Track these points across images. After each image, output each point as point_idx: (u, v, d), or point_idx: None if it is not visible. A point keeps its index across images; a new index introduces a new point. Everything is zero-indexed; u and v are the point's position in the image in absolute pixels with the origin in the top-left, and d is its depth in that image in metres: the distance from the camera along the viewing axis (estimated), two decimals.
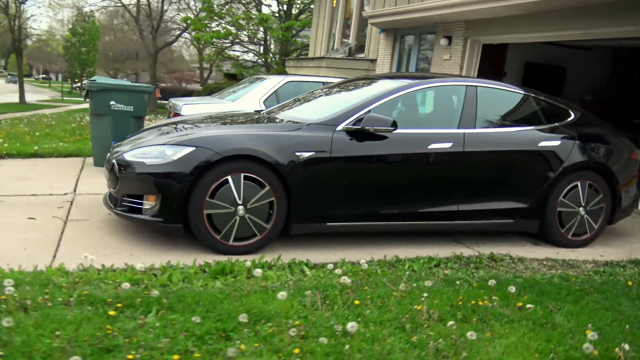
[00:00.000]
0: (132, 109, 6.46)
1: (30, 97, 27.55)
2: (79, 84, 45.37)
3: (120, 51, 45.86)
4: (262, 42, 22.45)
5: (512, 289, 2.96)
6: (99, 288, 2.66)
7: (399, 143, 4.02)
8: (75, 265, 3.07)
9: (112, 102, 6.37)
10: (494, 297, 3.03)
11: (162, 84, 36.19)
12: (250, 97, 6.79)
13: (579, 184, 4.47)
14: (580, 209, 4.49)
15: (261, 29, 21.25)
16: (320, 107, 4.31)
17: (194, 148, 3.54)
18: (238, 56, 23.75)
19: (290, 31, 20.42)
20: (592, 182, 4.52)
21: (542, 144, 4.39)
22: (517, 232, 4.65)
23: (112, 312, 2.34)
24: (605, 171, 4.54)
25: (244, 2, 22.45)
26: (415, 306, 2.79)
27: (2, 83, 53.24)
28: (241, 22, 20.57)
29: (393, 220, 4.07)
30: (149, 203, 3.57)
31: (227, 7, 22.30)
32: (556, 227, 4.46)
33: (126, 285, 2.53)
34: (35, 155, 6.63)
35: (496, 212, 4.31)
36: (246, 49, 23.29)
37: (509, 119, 4.62)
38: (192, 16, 24.47)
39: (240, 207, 3.60)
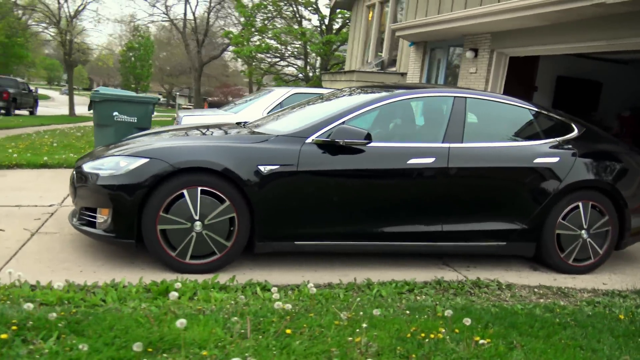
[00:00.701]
0: (135, 120, 6.47)
1: (81, 110, 28.73)
2: None
3: (174, 65, 47.38)
4: (303, 56, 22.49)
5: (467, 321, 2.64)
6: (10, 307, 2.54)
7: (375, 157, 3.75)
8: (9, 281, 2.97)
9: (115, 113, 6.40)
10: (455, 330, 2.72)
11: (210, 98, 37.01)
12: (254, 109, 6.67)
13: (580, 204, 4.05)
14: (583, 232, 4.07)
15: (301, 43, 21.29)
16: (300, 119, 4.10)
17: (148, 159, 3.40)
18: (279, 70, 23.91)
19: (330, 45, 20.36)
20: (596, 203, 4.08)
21: (538, 160, 4.01)
22: (513, 255, 4.27)
23: (3, 336, 2.19)
24: (611, 191, 4.10)
25: (285, 16, 22.61)
26: (355, 338, 2.52)
27: (59, 96, 55.87)
28: (281, 36, 20.69)
29: (368, 240, 3.79)
30: (102, 217, 3.45)
31: (269, 22, 22.54)
32: (554, 251, 4.05)
33: (29, 305, 2.39)
34: (44, 165, 6.74)
35: (486, 233, 3.96)
36: (287, 64, 23.41)
37: (501, 133, 4.26)
38: (235, 30, 24.86)
39: (197, 223, 3.42)
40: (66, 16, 27.82)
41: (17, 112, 22.55)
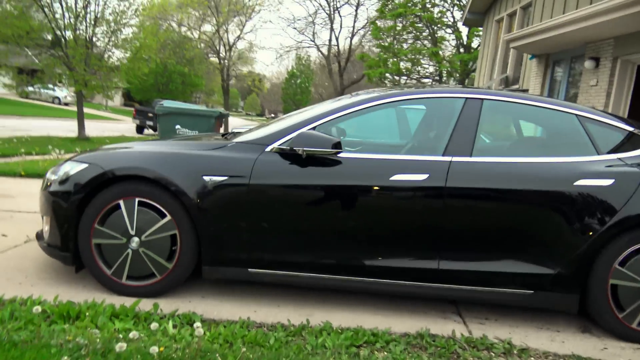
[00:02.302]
0: (197, 133, 6.42)
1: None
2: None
3: (330, 92, 49.12)
4: (438, 77, 21.50)
5: None
6: None
7: (351, 172, 3.03)
8: None
9: (177, 126, 6.42)
10: None
11: None
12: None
13: None
14: None
15: (435, 63, 20.38)
16: (281, 124, 3.52)
17: (87, 165, 3.11)
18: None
19: (465, 64, 19.13)
20: None
21: (582, 182, 2.92)
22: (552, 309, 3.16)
23: None
24: None
25: (420, 37, 21.89)
26: None
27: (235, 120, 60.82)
28: (412, 56, 20.01)
29: (338, 274, 3.04)
30: (46, 227, 3.24)
31: (402, 44, 22.01)
32: (607, 308, 2.90)
33: None
34: None
35: (502, 277, 2.96)
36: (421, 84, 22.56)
37: (531, 145, 3.24)
38: (375, 53, 24.73)
39: (134, 239, 3.04)
40: (224, 46, 30.31)
41: None
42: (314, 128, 3.13)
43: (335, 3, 27.46)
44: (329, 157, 3.03)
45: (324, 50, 28.71)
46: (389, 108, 3.32)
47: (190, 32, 31.97)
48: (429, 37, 20.96)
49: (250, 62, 38.59)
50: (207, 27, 31.87)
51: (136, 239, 3.04)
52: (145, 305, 2.90)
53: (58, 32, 14.89)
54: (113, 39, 16.44)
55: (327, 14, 27.70)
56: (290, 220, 3.03)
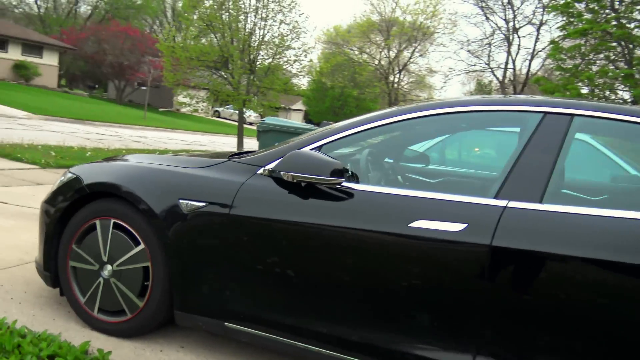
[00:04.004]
0: None
1: None
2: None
3: None
4: (631, 103, 18.33)
5: None
6: None
7: (360, 210, 2.20)
8: None
9: (276, 143, 6.04)
10: None
11: None
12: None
13: None
14: None
15: (626, 86, 17.36)
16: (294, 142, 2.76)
17: (74, 176, 2.75)
18: None
19: None
20: None
21: None
22: None
23: None
24: None
25: (613, 57, 18.92)
26: None
27: None
28: (600, 80, 17.33)
29: (341, 351, 2.20)
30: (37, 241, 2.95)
31: (596, 67, 19.28)
32: None
33: None
34: None
35: None
36: None
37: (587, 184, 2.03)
38: (552, 76, 22.23)
39: (107, 267, 2.58)
40: (393, 70, 30.10)
41: None
42: (319, 147, 2.36)
43: (514, 23, 25.41)
44: (336, 189, 2.23)
45: (499, 73, 26.69)
46: (422, 125, 2.38)
47: (361, 56, 32.39)
48: (624, 58, 17.95)
49: (427, 87, 37.74)
50: (377, 52, 32.03)
51: (109, 267, 2.58)
52: (103, 344, 2.40)
53: (225, 55, 15.87)
54: (276, 60, 17.15)
55: (504, 35, 25.74)
56: (276, 267, 2.29)
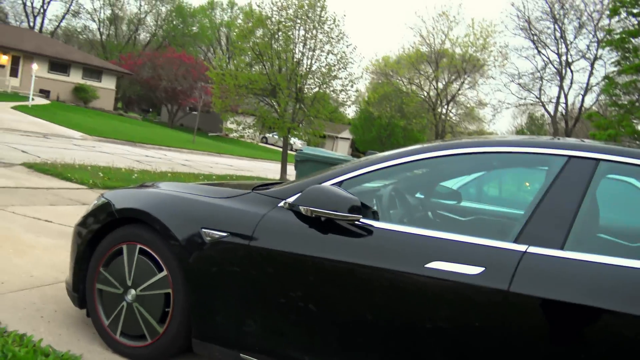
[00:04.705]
0: None
1: None
2: None
3: None
4: None
5: None
6: None
7: (378, 248, 2.18)
8: None
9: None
10: None
11: None
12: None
13: None
14: None
15: None
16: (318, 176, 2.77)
17: (106, 201, 2.85)
18: None
19: None
20: None
21: None
22: None
23: None
24: None
25: None
26: None
27: None
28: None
29: None
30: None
31: None
32: None
33: None
34: None
35: None
36: None
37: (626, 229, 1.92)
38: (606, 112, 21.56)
39: (131, 291, 2.64)
40: (440, 101, 29.93)
41: None
42: (339, 183, 2.36)
43: (567, 57, 24.90)
44: (355, 226, 2.22)
45: (550, 107, 26.11)
46: (440, 164, 2.35)
47: (409, 87, 32.38)
48: None
49: (476, 119, 37.23)
50: (425, 83, 31.95)
51: (132, 292, 2.64)
52: None
53: (272, 84, 16.22)
54: (322, 89, 17.39)
55: (556, 69, 25.24)
56: (293, 300, 2.29)
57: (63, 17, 46.75)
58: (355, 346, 2.17)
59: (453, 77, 31.48)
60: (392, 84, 32.98)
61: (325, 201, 2.19)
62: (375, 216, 2.33)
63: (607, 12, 20.28)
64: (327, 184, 2.36)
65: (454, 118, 34.27)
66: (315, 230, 2.30)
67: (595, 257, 1.86)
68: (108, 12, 49.06)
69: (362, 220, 2.21)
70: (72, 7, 45.65)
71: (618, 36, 17.33)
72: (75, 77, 32.20)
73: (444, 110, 32.09)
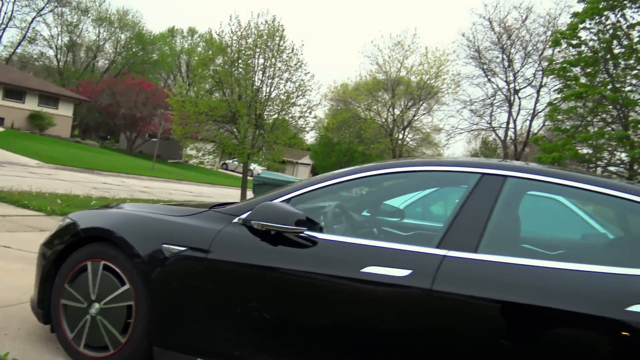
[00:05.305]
0: None
1: None
2: None
3: None
4: (628, 165, 18.57)
5: None
6: None
7: (322, 257, 2.46)
8: None
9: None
10: None
11: None
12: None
13: None
14: None
15: (622, 148, 17.71)
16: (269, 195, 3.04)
17: (70, 221, 3.04)
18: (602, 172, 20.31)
19: None
20: None
21: (637, 308, 1.90)
22: None
23: None
24: None
25: (610, 119, 19.38)
26: None
27: None
28: (595, 141, 17.71)
29: None
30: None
31: (595, 128, 19.72)
32: None
33: None
34: None
35: None
36: (604, 171, 19.70)
37: (573, 245, 2.26)
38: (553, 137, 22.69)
39: (94, 305, 2.82)
40: (397, 127, 30.81)
41: None
42: (287, 200, 2.65)
43: (515, 85, 26.17)
44: (302, 238, 2.50)
45: (500, 132, 27.23)
46: (376, 182, 2.68)
47: (367, 113, 33.18)
48: (620, 120, 18.39)
49: (432, 144, 38.29)
50: (383, 109, 32.80)
51: (96, 305, 2.82)
52: None
53: (232, 111, 16.47)
54: (281, 116, 17.75)
55: (505, 96, 26.46)
56: (244, 307, 2.53)
57: (19, 44, 45.93)
58: (305, 347, 2.42)
59: (410, 104, 32.50)
60: (351, 110, 33.73)
61: (274, 216, 2.47)
62: (320, 229, 2.61)
63: (550, 43, 21.55)
64: (277, 201, 2.64)
65: (410, 143, 35.16)
66: (267, 243, 2.56)
67: (505, 258, 2.20)
68: (66, 39, 48.48)
69: (307, 232, 2.49)
70: (28, 34, 44.96)
71: (559, 65, 18.42)
72: (31, 104, 31.61)
73: (401, 136, 32.97)
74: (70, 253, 2.94)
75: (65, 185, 12.02)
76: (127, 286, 2.75)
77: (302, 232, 2.46)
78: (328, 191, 2.73)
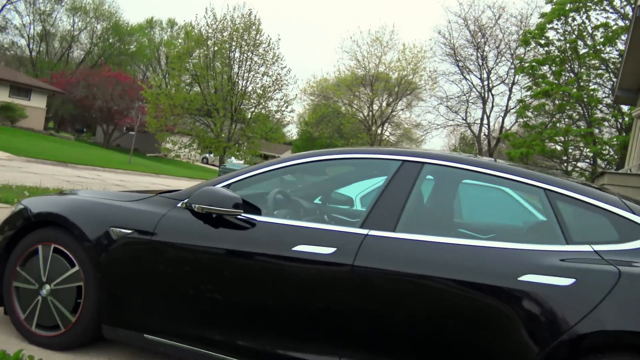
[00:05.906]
0: None
1: None
2: None
3: None
4: (591, 160, 19.19)
5: None
6: None
7: (258, 237, 2.65)
8: None
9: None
10: None
11: None
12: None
13: None
14: None
15: (584, 144, 18.28)
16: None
17: (22, 207, 3.17)
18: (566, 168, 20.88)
19: (621, 147, 16.83)
20: None
21: (528, 278, 2.12)
22: None
23: None
24: None
25: (575, 117, 19.94)
26: None
27: None
28: (560, 138, 18.22)
29: (231, 354, 2.58)
30: None
31: (562, 125, 20.24)
32: None
33: None
34: None
35: None
36: (572, 167, 20.30)
37: (482, 223, 2.50)
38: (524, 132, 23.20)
39: (45, 286, 2.96)
40: (375, 122, 31.12)
41: None
42: (228, 185, 2.82)
43: (488, 82, 26.69)
44: (241, 220, 2.68)
45: (475, 128, 27.75)
46: (309, 168, 2.88)
47: (347, 108, 33.41)
48: (584, 118, 18.96)
49: (411, 139, 38.75)
50: (364, 104, 33.07)
51: (47, 287, 2.96)
52: (37, 355, 2.75)
53: (208, 104, 16.55)
54: (258, 110, 17.85)
55: (479, 93, 26.96)
56: (191, 286, 2.71)
57: None
58: (245, 323, 2.60)
59: (391, 99, 32.84)
60: (331, 105, 33.90)
61: (214, 200, 2.64)
62: (259, 212, 2.79)
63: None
64: (218, 186, 2.81)
65: (390, 138, 35.49)
66: (209, 225, 2.74)
67: (420, 236, 2.40)
68: (38, 28, 47.65)
69: (245, 214, 2.67)
70: None
71: (528, 64, 18.89)
72: (2, 95, 31.10)
73: (380, 131, 33.27)
74: (23, 237, 3.07)
75: (36, 178, 11.98)
76: (76, 268, 2.90)
77: (239, 215, 2.64)
78: (265, 177, 2.90)
